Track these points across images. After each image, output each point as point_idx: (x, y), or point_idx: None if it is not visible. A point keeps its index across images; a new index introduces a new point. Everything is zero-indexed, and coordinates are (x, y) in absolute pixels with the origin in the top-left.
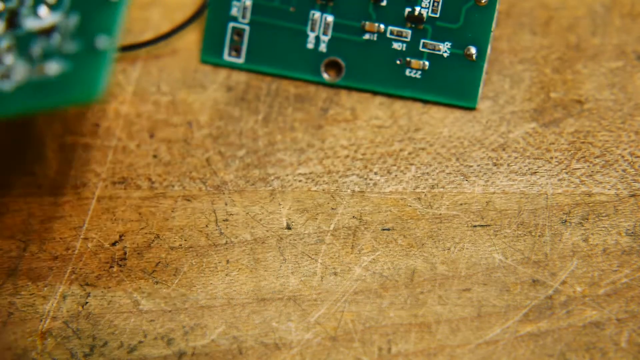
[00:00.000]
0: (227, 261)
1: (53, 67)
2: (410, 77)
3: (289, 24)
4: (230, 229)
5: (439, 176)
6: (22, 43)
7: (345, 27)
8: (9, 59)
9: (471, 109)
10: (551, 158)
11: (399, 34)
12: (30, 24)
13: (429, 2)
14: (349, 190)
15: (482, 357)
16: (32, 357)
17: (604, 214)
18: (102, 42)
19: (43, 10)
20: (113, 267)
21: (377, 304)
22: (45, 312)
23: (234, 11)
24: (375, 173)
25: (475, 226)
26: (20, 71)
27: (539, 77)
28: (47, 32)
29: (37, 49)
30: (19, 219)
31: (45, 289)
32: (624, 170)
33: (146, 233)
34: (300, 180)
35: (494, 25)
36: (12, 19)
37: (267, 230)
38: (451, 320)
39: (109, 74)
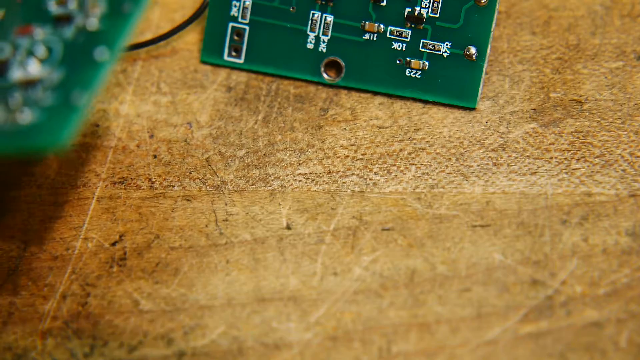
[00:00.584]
0: (227, 261)
1: (25, 117)
2: (410, 77)
3: (289, 24)
4: (230, 229)
5: (439, 176)
6: (3, 92)
7: (345, 27)
8: None
9: (471, 109)
10: (551, 158)
11: (399, 34)
12: (17, 75)
13: (429, 2)
14: (349, 190)
15: (482, 357)
16: (32, 357)
17: (603, 214)
18: (77, 97)
19: (33, 64)
20: (113, 267)
21: (377, 304)
22: (45, 312)
23: (234, 11)
24: (375, 173)
25: (475, 226)
26: None
27: (538, 77)
28: (31, 83)
29: (16, 99)
30: (19, 219)
31: (45, 289)
32: (623, 171)
33: (146, 233)
34: (300, 180)
35: (493, 25)
36: (1, 68)
37: (267, 230)
38: (451, 320)
39: (78, 127)
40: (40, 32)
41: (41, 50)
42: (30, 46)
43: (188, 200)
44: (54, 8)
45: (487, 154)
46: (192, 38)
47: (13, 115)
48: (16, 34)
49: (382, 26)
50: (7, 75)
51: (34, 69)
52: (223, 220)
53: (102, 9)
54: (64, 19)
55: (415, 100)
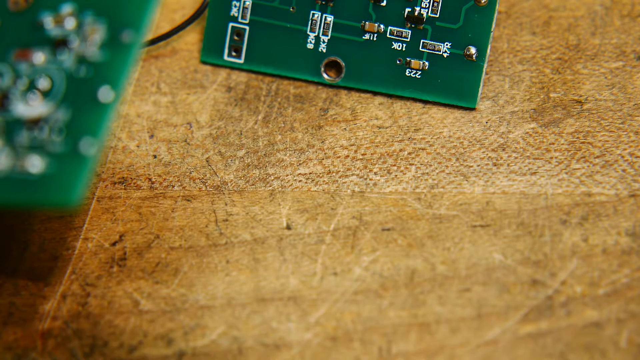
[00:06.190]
0: (227, 261)
1: (35, 165)
2: (410, 77)
3: (289, 24)
4: (230, 229)
5: (439, 176)
6: (9, 129)
7: (345, 27)
8: None
9: (471, 109)
10: (551, 158)
11: (399, 34)
12: (20, 109)
13: (429, 2)
14: (349, 190)
15: (482, 357)
16: (32, 357)
17: (603, 214)
18: (86, 146)
19: (35, 97)
20: (113, 267)
21: (377, 304)
22: (45, 312)
23: (234, 11)
24: (375, 173)
25: (475, 226)
26: (3, 161)
27: (538, 77)
28: (36, 122)
29: (23, 139)
30: (19, 219)
31: (45, 289)
32: (623, 171)
33: (146, 233)
34: (300, 180)
35: (493, 25)
36: (2, 101)
37: (267, 230)
38: (451, 320)
39: (89, 179)
40: (39, 57)
41: (42, 82)
42: (30, 74)
43: (188, 200)
44: (50, 26)
45: (487, 154)
46: (192, 38)
47: (22, 162)
48: (15, 58)
49: (382, 26)
50: (10, 109)
51: (36, 103)
52: (223, 220)
53: (101, 36)
54: (62, 43)
55: (415, 100)
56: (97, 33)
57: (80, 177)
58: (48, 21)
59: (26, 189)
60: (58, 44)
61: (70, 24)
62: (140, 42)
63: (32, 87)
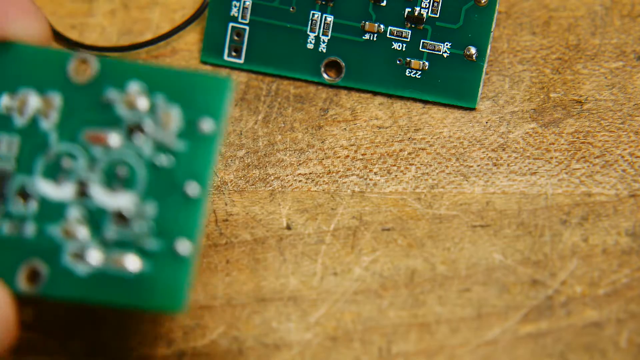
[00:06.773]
0: (227, 261)
1: (132, 263)
2: (410, 77)
3: (289, 24)
4: (230, 229)
5: (439, 176)
6: (94, 218)
7: (345, 27)
8: (82, 233)
9: (471, 109)
10: (551, 158)
11: (399, 34)
12: (101, 198)
13: (429, 2)
14: (349, 191)
15: (482, 357)
16: (32, 358)
17: (603, 214)
18: (183, 246)
19: (115, 186)
20: None
21: (377, 304)
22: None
23: (234, 11)
24: (375, 173)
25: (475, 226)
26: (95, 256)
27: (538, 77)
28: (122, 217)
29: (111, 232)
30: None
31: None
32: (623, 171)
33: None
34: (300, 181)
35: (493, 25)
36: (81, 188)
37: (267, 230)
38: (451, 320)
39: (192, 282)
40: (115, 140)
41: (121, 170)
42: (106, 160)
43: None
44: (120, 105)
45: (487, 154)
46: (192, 38)
47: (118, 259)
48: (87, 139)
49: (382, 26)
50: (91, 196)
51: (119, 193)
52: (223, 220)
53: (177, 123)
54: (136, 128)
55: (415, 100)
56: (172, 119)
57: (183, 279)
58: (116, 99)
59: (126, 288)
60: (132, 130)
61: (142, 105)
62: (221, 133)
63: (110, 173)
